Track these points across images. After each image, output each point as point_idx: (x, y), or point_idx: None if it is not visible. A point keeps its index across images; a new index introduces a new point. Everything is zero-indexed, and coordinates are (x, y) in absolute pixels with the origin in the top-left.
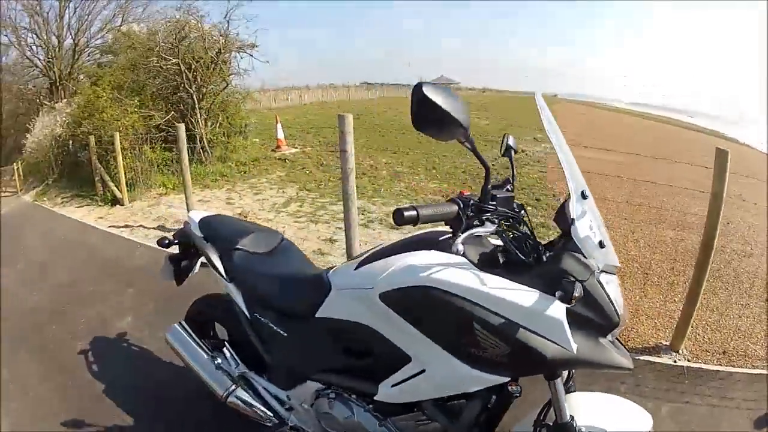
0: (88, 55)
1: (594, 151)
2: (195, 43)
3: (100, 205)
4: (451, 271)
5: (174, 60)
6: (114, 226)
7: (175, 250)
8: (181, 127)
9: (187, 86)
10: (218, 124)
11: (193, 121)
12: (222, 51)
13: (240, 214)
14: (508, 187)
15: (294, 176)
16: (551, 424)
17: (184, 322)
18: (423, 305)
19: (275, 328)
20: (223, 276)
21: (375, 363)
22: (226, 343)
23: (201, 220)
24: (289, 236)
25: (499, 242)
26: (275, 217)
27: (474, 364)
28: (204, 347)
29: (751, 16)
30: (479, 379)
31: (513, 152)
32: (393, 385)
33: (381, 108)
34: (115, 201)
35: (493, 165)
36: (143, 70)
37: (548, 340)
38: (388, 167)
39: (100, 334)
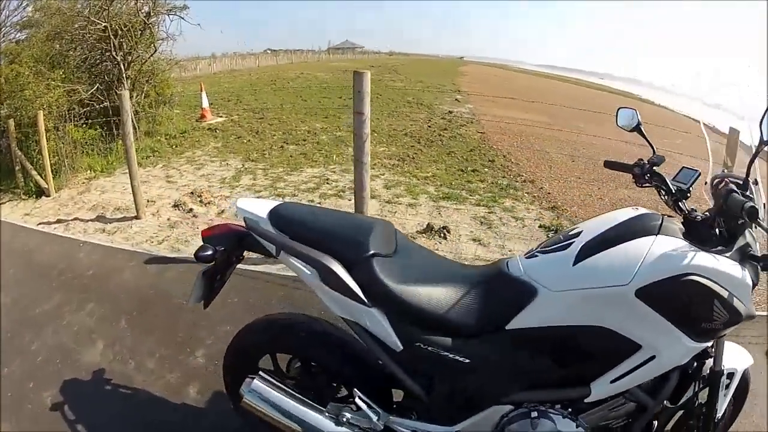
0: (3, 36)
1: (518, 111)
2: (124, 4)
3: (24, 199)
4: (699, 254)
5: (103, 24)
6: (45, 223)
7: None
8: (125, 94)
9: (114, 54)
10: (144, 95)
11: (118, 92)
12: (151, 13)
13: (192, 192)
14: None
15: (231, 146)
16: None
17: (264, 373)
18: (680, 294)
19: (450, 355)
20: (362, 300)
21: (590, 363)
22: (356, 392)
23: (272, 212)
24: None
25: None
26: (232, 193)
27: (698, 337)
28: (310, 402)
29: None
30: (695, 349)
31: (641, 127)
32: (613, 380)
33: (292, 74)
34: (40, 192)
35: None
36: (67, 39)
37: (741, 302)
38: (326, 132)
39: (70, 376)
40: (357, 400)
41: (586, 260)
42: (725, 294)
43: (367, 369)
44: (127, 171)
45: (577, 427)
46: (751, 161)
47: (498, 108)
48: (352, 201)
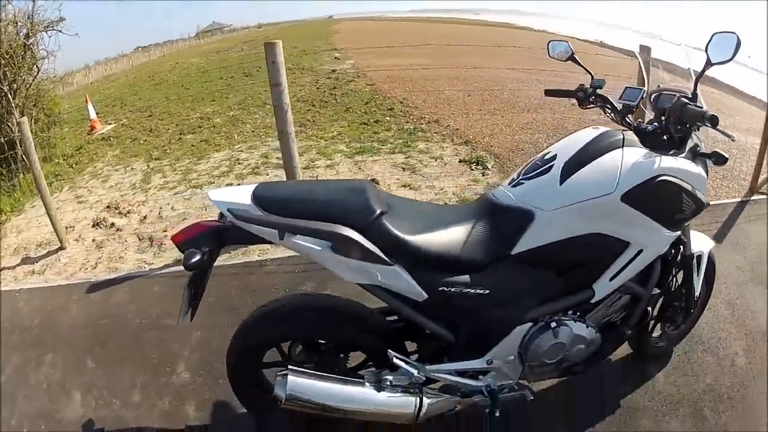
0: None
1: (400, 58)
2: (2, 33)
3: None
4: (663, 158)
5: None
6: None
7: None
8: (24, 121)
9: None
10: (34, 121)
11: (9, 124)
12: (29, 34)
13: (108, 206)
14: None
15: (130, 150)
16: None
17: (292, 366)
18: (656, 193)
19: (472, 290)
20: (384, 260)
21: (590, 267)
22: (390, 353)
23: (255, 196)
24: (182, 214)
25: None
26: (147, 197)
27: (673, 227)
28: (347, 378)
29: None
30: (671, 238)
31: (575, 56)
32: (611, 278)
33: (167, 66)
34: None
35: None
36: None
37: (701, 193)
38: (218, 115)
39: None
40: (394, 360)
41: (570, 178)
42: (689, 188)
43: (378, 329)
44: (38, 203)
45: (587, 328)
46: (698, 78)
47: (379, 58)
48: (269, 177)
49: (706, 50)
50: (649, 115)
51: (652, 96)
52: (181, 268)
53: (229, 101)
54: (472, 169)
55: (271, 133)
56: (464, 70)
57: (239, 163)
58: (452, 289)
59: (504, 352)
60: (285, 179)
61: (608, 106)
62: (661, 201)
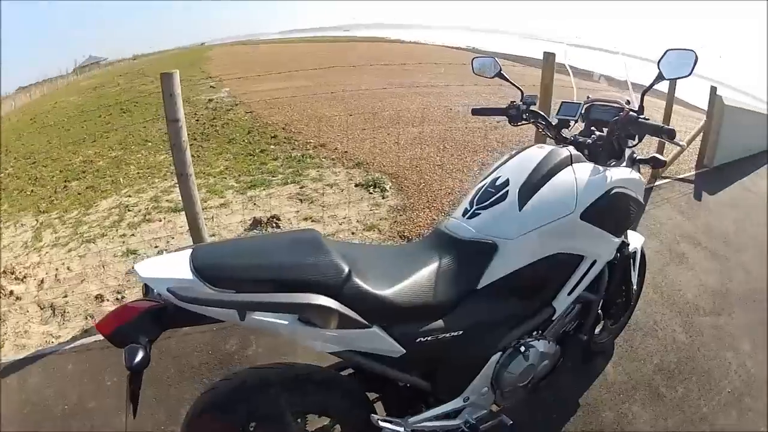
0: None
1: (276, 82)
2: None
3: None
4: (613, 170)
5: None
6: None
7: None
8: None
9: None
10: None
11: None
12: None
13: (4, 271)
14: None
15: (17, 203)
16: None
17: None
18: (610, 206)
19: (447, 335)
20: (362, 324)
21: (550, 286)
22: (373, 417)
23: (197, 268)
24: (80, 274)
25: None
26: (41, 256)
27: (620, 234)
28: None
29: None
30: (617, 244)
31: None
32: (569, 293)
33: (48, 106)
34: None
35: None
36: None
37: (641, 197)
38: (100, 157)
39: None
40: (380, 423)
41: (529, 203)
42: (634, 195)
43: (345, 391)
44: None
45: (549, 344)
46: (645, 91)
47: (255, 84)
48: (162, 223)
49: (658, 65)
50: (580, 125)
51: (584, 108)
52: (93, 339)
53: (110, 141)
54: (371, 193)
55: (157, 174)
56: (342, 90)
57: (129, 210)
58: (428, 338)
59: (479, 387)
60: (186, 226)
61: (541, 121)
62: (613, 212)
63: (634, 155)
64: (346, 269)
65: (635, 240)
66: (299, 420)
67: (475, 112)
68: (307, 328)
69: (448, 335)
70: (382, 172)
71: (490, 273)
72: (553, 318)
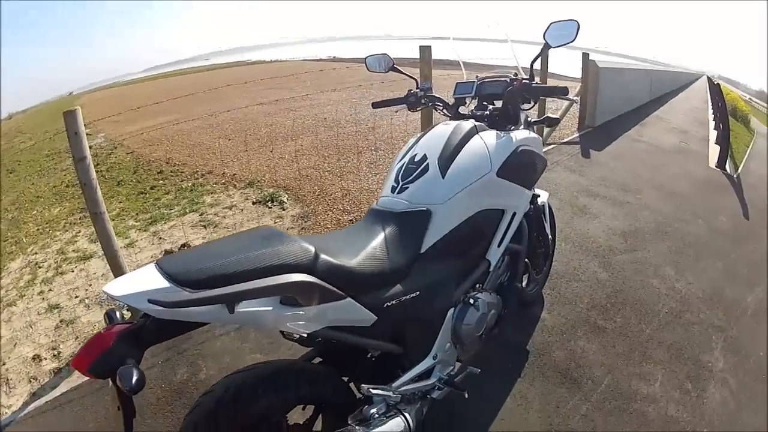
0: None
1: (149, 119)
2: None
3: None
4: (514, 132)
5: None
6: None
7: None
8: None
9: None
10: None
11: None
12: None
13: None
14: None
15: None
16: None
17: None
18: (519, 162)
19: (407, 297)
20: (339, 295)
21: (482, 241)
22: (364, 387)
23: (171, 276)
24: (11, 339)
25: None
26: None
27: (531, 187)
28: None
29: None
30: (530, 196)
31: (395, 66)
32: (499, 244)
33: None
34: None
35: None
36: None
37: (542, 153)
38: None
39: None
40: (371, 392)
41: (450, 170)
42: (537, 151)
43: (326, 377)
44: None
45: (491, 294)
46: (534, 61)
47: (129, 125)
48: (76, 273)
49: (544, 37)
50: (473, 103)
51: (476, 86)
52: (44, 400)
53: (2, 203)
54: (270, 207)
55: (56, 227)
56: (215, 117)
57: (39, 267)
58: (393, 302)
59: (443, 343)
60: (100, 271)
61: (439, 103)
62: (523, 167)
63: (529, 119)
64: (313, 249)
65: (542, 195)
66: (286, 415)
67: (375, 105)
68: (291, 310)
69: (408, 297)
70: (275, 187)
71: (430, 237)
72: (490, 270)
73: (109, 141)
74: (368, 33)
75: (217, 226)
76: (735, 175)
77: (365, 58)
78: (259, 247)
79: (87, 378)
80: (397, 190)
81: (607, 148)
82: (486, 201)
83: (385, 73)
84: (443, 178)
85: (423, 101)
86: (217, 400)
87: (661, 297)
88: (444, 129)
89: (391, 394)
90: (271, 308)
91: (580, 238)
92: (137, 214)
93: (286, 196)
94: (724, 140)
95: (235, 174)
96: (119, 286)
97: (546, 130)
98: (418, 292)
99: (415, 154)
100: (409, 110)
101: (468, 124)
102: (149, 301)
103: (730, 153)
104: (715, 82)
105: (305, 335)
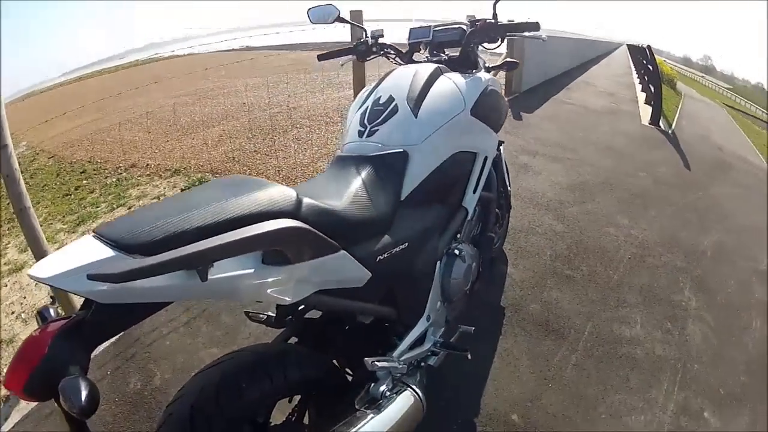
0: None
1: (68, 122)
2: None
3: None
4: (480, 74)
5: None
6: None
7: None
8: None
9: None
10: None
11: None
12: None
13: None
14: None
15: None
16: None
17: None
18: (489, 102)
19: (397, 248)
20: (335, 245)
21: (455, 187)
22: (367, 361)
23: (119, 240)
24: None
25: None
26: None
27: (497, 130)
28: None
29: None
30: (496, 139)
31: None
32: (474, 190)
33: None
34: None
35: None
36: None
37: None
38: None
39: None
40: (375, 364)
41: (421, 110)
42: (501, 91)
43: (315, 362)
44: None
45: (469, 245)
46: (497, 1)
47: (50, 130)
48: (8, 288)
49: None
50: (426, 53)
51: (432, 31)
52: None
53: None
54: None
55: None
56: (133, 112)
57: None
58: (385, 255)
59: (434, 302)
60: (34, 283)
61: (392, 51)
62: (492, 108)
63: (487, 64)
64: (294, 192)
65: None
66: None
67: (321, 57)
68: (276, 271)
69: (398, 249)
70: (202, 172)
71: (408, 182)
72: (468, 218)
73: (31, 149)
74: (282, 21)
75: None
76: (670, 131)
77: (308, 10)
78: (230, 196)
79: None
80: (365, 134)
81: (537, 111)
82: (461, 142)
83: (331, 24)
84: (416, 117)
85: (374, 49)
86: (192, 405)
87: (621, 244)
88: (406, 71)
89: (396, 365)
90: (252, 270)
91: (528, 194)
92: (64, 216)
93: (215, 179)
94: (656, 98)
95: (159, 164)
96: (48, 267)
97: None
98: (406, 244)
99: (379, 97)
100: (358, 60)
101: (431, 66)
102: (89, 277)
103: (662, 112)
104: (643, 46)
105: (289, 303)
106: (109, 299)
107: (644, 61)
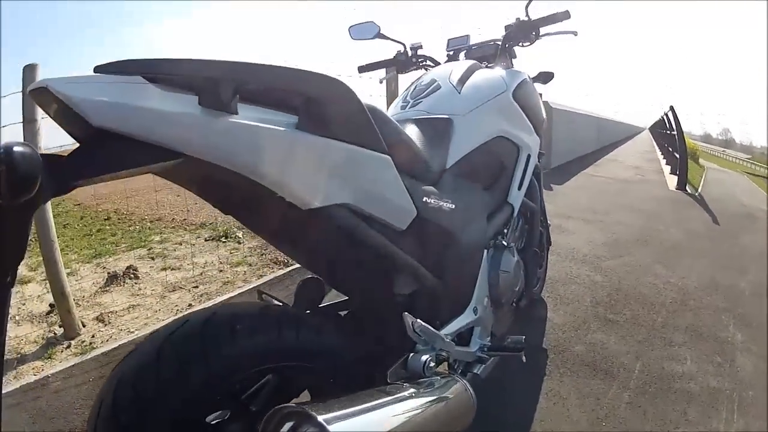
0: None
1: None
2: None
3: None
4: (516, 69)
5: None
6: None
7: None
8: None
9: None
10: None
11: None
12: None
13: None
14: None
15: None
16: None
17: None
18: (528, 93)
19: (444, 203)
20: (381, 141)
21: (500, 174)
22: (406, 317)
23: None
24: None
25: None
26: None
27: (537, 131)
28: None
29: None
30: (538, 142)
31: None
32: (519, 187)
33: None
34: None
35: None
36: None
37: None
38: None
39: None
40: (416, 328)
41: (464, 87)
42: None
43: (324, 326)
44: None
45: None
46: (529, 3)
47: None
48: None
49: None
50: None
51: (468, 39)
52: None
53: None
54: (224, 242)
55: None
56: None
57: None
58: (432, 200)
59: (481, 294)
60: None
61: (430, 63)
62: (532, 98)
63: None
64: (346, 83)
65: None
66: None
67: (362, 69)
68: (311, 140)
69: (445, 204)
70: (230, 226)
71: (454, 150)
72: (514, 215)
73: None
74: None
75: (166, 257)
76: (696, 194)
77: (349, 28)
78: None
79: None
80: (409, 106)
81: (568, 182)
82: (504, 126)
83: (371, 39)
84: (459, 93)
85: (413, 60)
86: (159, 349)
87: (661, 290)
88: (446, 65)
89: (443, 338)
90: (283, 128)
91: (563, 250)
92: (80, 250)
93: (242, 234)
94: (682, 161)
95: (185, 219)
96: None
97: None
98: (454, 205)
99: (422, 81)
100: (398, 72)
101: (469, 61)
102: (96, 69)
103: (687, 178)
104: (668, 115)
105: (316, 207)
106: (104, 121)
107: (666, 125)
